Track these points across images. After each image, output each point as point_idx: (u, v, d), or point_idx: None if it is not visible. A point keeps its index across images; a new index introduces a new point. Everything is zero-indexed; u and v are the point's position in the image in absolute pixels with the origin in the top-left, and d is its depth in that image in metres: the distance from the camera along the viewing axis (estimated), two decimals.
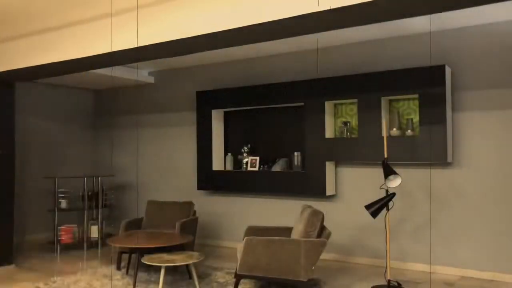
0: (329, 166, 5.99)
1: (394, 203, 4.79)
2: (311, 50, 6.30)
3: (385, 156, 4.74)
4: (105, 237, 6.84)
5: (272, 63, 6.63)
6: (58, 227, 6.71)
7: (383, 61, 5.75)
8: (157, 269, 5.07)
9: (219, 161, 7.00)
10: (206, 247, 6.78)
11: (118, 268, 5.52)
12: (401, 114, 5.70)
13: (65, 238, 6.73)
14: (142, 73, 7.70)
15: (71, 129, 8.25)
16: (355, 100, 5.81)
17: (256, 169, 6.58)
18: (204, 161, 6.99)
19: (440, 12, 3.34)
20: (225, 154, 7.08)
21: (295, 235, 4.56)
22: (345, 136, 5.93)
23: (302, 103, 6.16)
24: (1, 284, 5.08)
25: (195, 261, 4.52)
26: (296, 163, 6.26)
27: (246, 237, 4.46)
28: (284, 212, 6.38)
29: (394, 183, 4.59)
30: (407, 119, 5.57)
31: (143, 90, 7.94)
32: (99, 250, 6.79)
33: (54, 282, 5.05)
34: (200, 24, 3.75)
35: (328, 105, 6.00)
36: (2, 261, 5.70)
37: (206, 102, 6.99)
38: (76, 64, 4.79)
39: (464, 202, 5.29)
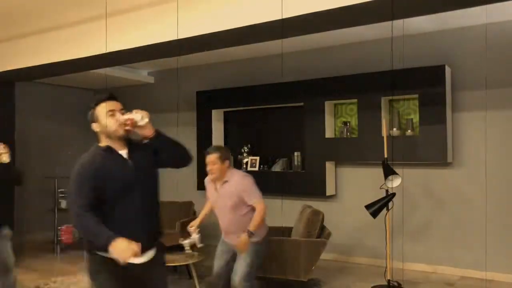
0: (329, 166, 5.99)
1: (394, 203, 4.78)
2: (311, 50, 6.29)
3: (385, 156, 4.74)
4: None
5: (272, 63, 6.62)
6: (58, 227, 6.71)
7: (383, 61, 5.74)
8: None
9: None
10: (206, 247, 6.75)
11: None
12: (401, 114, 5.70)
13: (65, 238, 6.72)
14: (141, 73, 7.69)
15: (71, 129, 8.24)
16: (355, 100, 5.81)
17: (256, 169, 6.58)
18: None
19: (442, 11, 3.34)
20: None
21: (295, 235, 4.56)
22: (345, 136, 5.93)
23: (302, 103, 6.16)
24: None
25: (195, 261, 4.52)
26: (296, 163, 6.25)
27: None
28: (284, 212, 6.36)
29: (394, 183, 4.59)
30: (407, 119, 5.56)
31: (143, 90, 7.93)
32: None
33: (54, 282, 5.05)
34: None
35: (328, 105, 6.00)
36: None
37: (206, 102, 6.98)
38: (76, 64, 4.79)
39: (464, 202, 5.28)
